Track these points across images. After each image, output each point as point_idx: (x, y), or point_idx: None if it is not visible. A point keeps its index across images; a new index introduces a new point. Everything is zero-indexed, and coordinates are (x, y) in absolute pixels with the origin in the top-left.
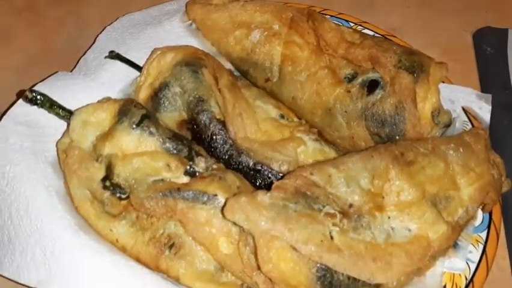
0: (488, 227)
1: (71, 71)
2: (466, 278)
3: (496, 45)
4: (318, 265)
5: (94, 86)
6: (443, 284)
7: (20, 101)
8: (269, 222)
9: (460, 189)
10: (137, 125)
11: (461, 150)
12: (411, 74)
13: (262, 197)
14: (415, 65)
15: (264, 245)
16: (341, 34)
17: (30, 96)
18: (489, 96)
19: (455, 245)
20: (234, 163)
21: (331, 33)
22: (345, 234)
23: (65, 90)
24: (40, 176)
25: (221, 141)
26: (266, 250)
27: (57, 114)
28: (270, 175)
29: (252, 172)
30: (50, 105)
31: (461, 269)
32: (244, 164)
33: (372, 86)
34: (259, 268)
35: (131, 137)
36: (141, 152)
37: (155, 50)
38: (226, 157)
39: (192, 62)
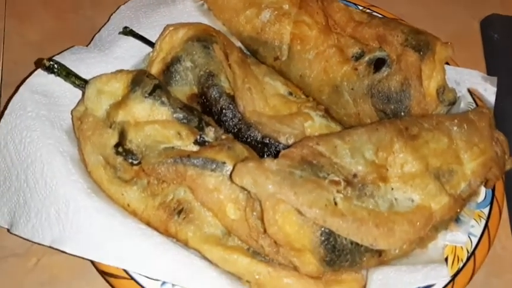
0: (491, 204)
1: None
2: (468, 251)
3: (503, 32)
4: (322, 229)
5: (107, 60)
6: (445, 256)
7: (37, 71)
8: (276, 185)
9: (463, 163)
10: (150, 94)
11: (465, 126)
12: (417, 52)
13: (270, 163)
14: (421, 43)
15: (270, 208)
16: (349, 14)
17: (47, 64)
18: (494, 79)
19: (457, 220)
20: (242, 136)
21: (339, 13)
22: (348, 201)
23: (80, 63)
24: (56, 142)
25: (230, 115)
26: (272, 213)
27: (73, 83)
28: (277, 149)
29: (260, 145)
30: (67, 74)
31: (463, 242)
32: (252, 138)
33: (378, 63)
34: (265, 232)
35: (143, 105)
36: (153, 120)
37: (167, 26)
38: (235, 131)
39: (203, 37)
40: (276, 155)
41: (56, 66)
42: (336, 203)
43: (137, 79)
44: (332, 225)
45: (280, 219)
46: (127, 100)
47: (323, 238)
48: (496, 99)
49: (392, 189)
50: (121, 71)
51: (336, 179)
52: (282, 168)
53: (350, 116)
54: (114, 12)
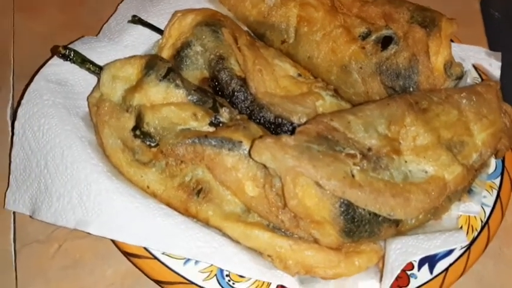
0: (502, 174)
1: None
2: (482, 221)
3: (503, 10)
4: (341, 201)
5: (118, 48)
6: (459, 226)
7: (51, 61)
8: (295, 159)
9: (474, 134)
10: (164, 77)
11: (473, 99)
12: (423, 29)
13: (287, 138)
14: (427, 20)
15: (290, 182)
16: None
17: (63, 51)
18: (499, 54)
19: (469, 191)
20: (255, 118)
21: None
22: (365, 173)
23: (91, 52)
24: (73, 128)
25: (242, 97)
26: (292, 186)
27: (88, 69)
28: (290, 128)
29: (273, 126)
30: (82, 60)
31: (476, 212)
32: (265, 118)
33: (386, 41)
34: (284, 207)
35: (158, 88)
36: (169, 103)
37: (176, 12)
38: (248, 112)
39: (212, 22)
40: (291, 134)
41: (71, 53)
42: (353, 175)
43: (151, 63)
44: (350, 196)
45: (300, 192)
46: (142, 84)
47: (342, 209)
48: None
49: (406, 161)
50: (134, 56)
51: (352, 152)
52: (299, 143)
53: (359, 95)
54: (121, 2)
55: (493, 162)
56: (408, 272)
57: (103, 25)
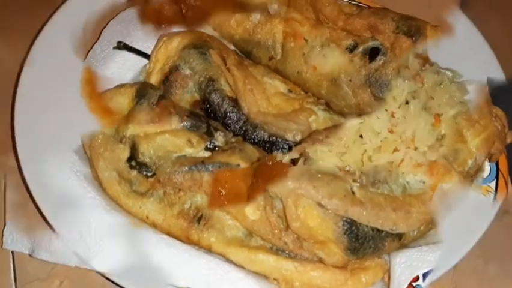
0: (497, 177)
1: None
2: None
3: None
4: (344, 219)
5: (104, 77)
6: None
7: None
8: (295, 181)
9: (467, 141)
10: (156, 105)
11: None
12: (409, 38)
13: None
14: (413, 29)
15: (292, 204)
16: (339, 7)
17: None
18: None
19: None
20: (249, 138)
21: (329, 7)
22: (365, 189)
23: None
24: (68, 162)
25: (235, 118)
26: (294, 208)
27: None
28: (285, 145)
29: (268, 145)
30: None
31: None
32: (259, 138)
33: (373, 53)
34: (287, 228)
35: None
36: (163, 131)
37: (161, 36)
38: (241, 133)
39: (199, 44)
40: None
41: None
42: (353, 192)
43: (142, 91)
44: (353, 214)
45: (302, 214)
46: (134, 113)
47: (345, 228)
48: None
49: (403, 173)
50: (124, 85)
51: (351, 169)
52: (298, 164)
53: (350, 107)
54: (104, 27)
55: (487, 166)
56: (414, 284)
57: (87, 52)
